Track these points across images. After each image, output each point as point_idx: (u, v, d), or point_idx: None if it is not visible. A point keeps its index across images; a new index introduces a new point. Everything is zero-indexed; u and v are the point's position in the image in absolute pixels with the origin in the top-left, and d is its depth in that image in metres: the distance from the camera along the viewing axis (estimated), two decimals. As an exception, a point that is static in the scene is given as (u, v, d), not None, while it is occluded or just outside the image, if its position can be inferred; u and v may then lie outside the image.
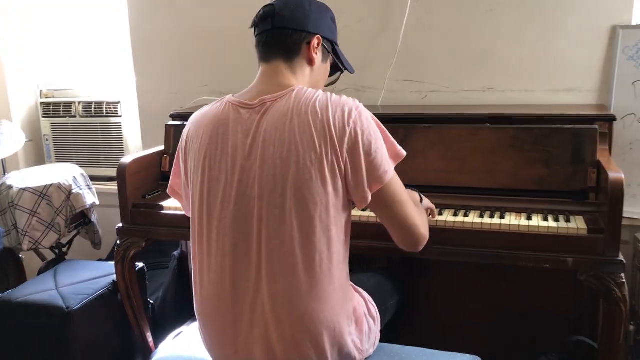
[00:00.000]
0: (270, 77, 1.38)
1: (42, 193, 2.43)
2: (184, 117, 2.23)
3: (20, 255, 2.72)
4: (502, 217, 1.74)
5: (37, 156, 3.18)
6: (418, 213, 1.41)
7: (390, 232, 1.39)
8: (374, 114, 2.13)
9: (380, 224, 1.54)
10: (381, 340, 1.57)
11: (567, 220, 1.69)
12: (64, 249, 2.72)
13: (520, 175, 1.85)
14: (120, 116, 2.89)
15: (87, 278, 2.19)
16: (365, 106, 2.34)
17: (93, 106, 2.94)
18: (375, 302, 1.59)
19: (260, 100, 1.32)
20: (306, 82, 1.41)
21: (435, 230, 1.73)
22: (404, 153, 1.39)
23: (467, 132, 1.92)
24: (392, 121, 2.03)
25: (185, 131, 1.43)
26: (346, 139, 1.26)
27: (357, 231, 1.50)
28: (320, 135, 1.25)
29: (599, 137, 1.80)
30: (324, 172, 1.25)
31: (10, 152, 2.59)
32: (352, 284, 1.56)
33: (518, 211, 1.80)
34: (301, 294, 1.27)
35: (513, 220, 1.71)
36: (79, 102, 2.96)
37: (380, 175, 1.30)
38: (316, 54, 1.41)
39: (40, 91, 3.15)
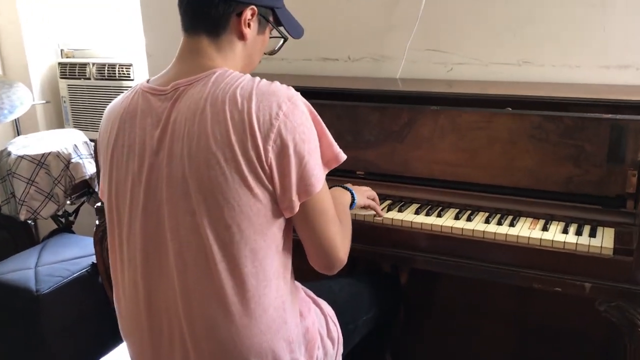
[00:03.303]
0: (190, 56, 1.14)
1: (40, 161, 2.33)
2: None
3: (30, 222, 2.66)
4: (512, 224, 1.46)
5: (57, 118, 3.09)
6: (340, 232, 1.18)
7: (305, 248, 1.17)
8: (388, 90, 1.88)
9: (386, 228, 1.51)
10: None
11: (592, 234, 1.39)
12: (71, 218, 2.63)
13: (543, 174, 1.55)
14: (133, 80, 2.72)
15: (69, 257, 2.08)
16: (383, 79, 2.06)
17: (106, 68, 2.79)
18: (344, 319, 1.38)
19: (173, 85, 1.10)
20: (237, 59, 1.18)
21: (427, 236, 1.48)
22: (343, 156, 1.16)
23: (483, 118, 1.61)
24: (394, 100, 1.76)
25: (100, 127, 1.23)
26: (272, 136, 1.03)
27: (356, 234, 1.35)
28: (238, 129, 1.02)
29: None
30: (242, 173, 1.03)
31: (15, 116, 2.49)
32: (314, 296, 1.35)
33: (535, 216, 1.52)
34: (221, 318, 1.08)
35: (523, 231, 1.42)
36: (93, 64, 2.82)
37: (312, 184, 1.08)
38: (249, 27, 1.15)
39: (62, 50, 3.04)
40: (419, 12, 1.99)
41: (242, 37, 1.16)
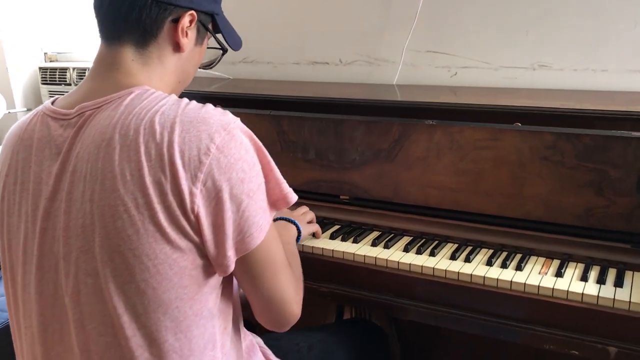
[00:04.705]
0: (106, 71, 0.92)
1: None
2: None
3: None
4: (519, 266, 1.20)
5: (41, 126, 2.90)
6: (293, 281, 0.96)
7: (251, 304, 0.95)
8: (379, 101, 1.62)
9: (368, 269, 1.30)
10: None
11: (618, 283, 1.13)
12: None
13: (559, 204, 1.29)
14: (114, 85, 2.52)
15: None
16: (377, 86, 1.80)
17: (87, 73, 2.58)
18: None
19: (79, 108, 0.87)
20: (169, 74, 0.95)
21: (417, 281, 1.24)
22: (294, 197, 0.93)
23: (487, 135, 1.36)
24: (384, 112, 1.52)
25: None
26: (201, 177, 0.80)
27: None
28: (155, 167, 0.79)
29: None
30: (159, 224, 0.80)
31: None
32: (273, 358, 1.11)
33: (549, 256, 1.27)
34: None
35: (532, 277, 1.17)
36: (73, 69, 2.63)
37: (251, 235, 0.85)
38: (186, 36, 0.92)
39: (45, 54, 2.85)
40: (417, 8, 1.75)
41: (177, 48, 0.94)
